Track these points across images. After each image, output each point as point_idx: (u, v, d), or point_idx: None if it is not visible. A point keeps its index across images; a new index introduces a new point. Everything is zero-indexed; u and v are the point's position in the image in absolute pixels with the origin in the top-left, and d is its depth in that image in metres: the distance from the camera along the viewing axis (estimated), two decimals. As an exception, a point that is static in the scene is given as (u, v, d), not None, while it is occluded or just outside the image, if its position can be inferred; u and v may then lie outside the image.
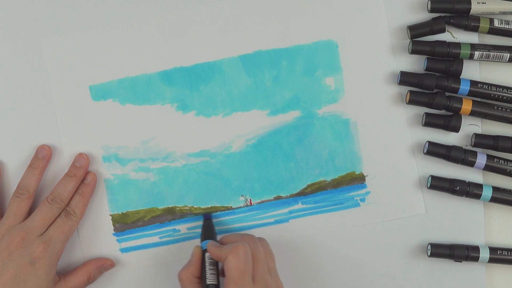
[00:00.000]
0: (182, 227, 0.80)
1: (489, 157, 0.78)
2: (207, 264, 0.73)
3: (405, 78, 0.78)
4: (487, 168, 0.78)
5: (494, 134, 0.79)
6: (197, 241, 0.80)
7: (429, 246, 0.79)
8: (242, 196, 0.80)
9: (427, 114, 0.79)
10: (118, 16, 0.79)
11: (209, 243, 0.73)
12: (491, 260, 0.79)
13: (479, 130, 0.80)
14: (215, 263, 0.73)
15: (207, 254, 0.73)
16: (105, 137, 0.80)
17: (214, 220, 0.80)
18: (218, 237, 0.77)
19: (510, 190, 0.79)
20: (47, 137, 0.80)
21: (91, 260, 0.79)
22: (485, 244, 0.80)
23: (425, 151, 0.79)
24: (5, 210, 0.77)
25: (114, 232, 0.80)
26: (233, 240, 0.73)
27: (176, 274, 0.73)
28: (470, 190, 0.78)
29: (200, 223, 0.80)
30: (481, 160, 0.78)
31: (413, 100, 0.78)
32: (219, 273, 0.73)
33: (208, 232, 0.77)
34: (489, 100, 0.79)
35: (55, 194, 0.77)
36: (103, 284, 0.80)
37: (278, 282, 0.72)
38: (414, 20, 0.79)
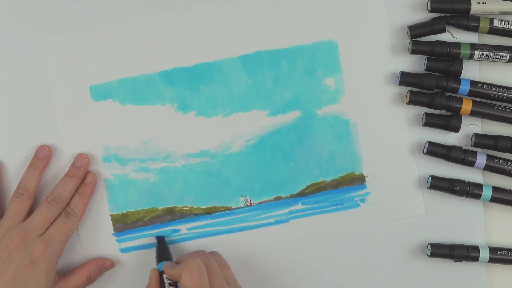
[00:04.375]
0: (182, 227, 0.80)
1: (489, 157, 0.78)
2: (166, 285, 0.73)
3: (405, 79, 0.78)
4: (487, 168, 0.78)
5: (494, 134, 0.79)
6: (196, 242, 0.80)
7: (429, 246, 0.79)
8: (242, 196, 0.80)
9: (427, 114, 0.79)
10: (118, 16, 0.79)
11: (165, 264, 0.73)
12: (491, 260, 0.79)
13: (479, 130, 0.80)
14: (174, 284, 0.73)
15: (165, 276, 0.73)
16: (105, 137, 0.80)
17: (214, 221, 0.80)
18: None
19: (510, 190, 0.79)
20: (47, 137, 0.80)
21: (91, 260, 0.79)
22: (485, 244, 0.80)
23: (425, 151, 0.79)
24: (5, 210, 0.77)
25: (114, 232, 0.80)
26: (186, 259, 0.73)
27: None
28: (470, 190, 0.78)
29: (201, 223, 0.80)
30: (481, 160, 0.78)
31: (413, 100, 0.78)
32: None
33: (162, 253, 0.77)
34: (489, 100, 0.79)
35: (55, 194, 0.77)
36: (103, 284, 0.80)
37: None
38: (414, 20, 0.79)
